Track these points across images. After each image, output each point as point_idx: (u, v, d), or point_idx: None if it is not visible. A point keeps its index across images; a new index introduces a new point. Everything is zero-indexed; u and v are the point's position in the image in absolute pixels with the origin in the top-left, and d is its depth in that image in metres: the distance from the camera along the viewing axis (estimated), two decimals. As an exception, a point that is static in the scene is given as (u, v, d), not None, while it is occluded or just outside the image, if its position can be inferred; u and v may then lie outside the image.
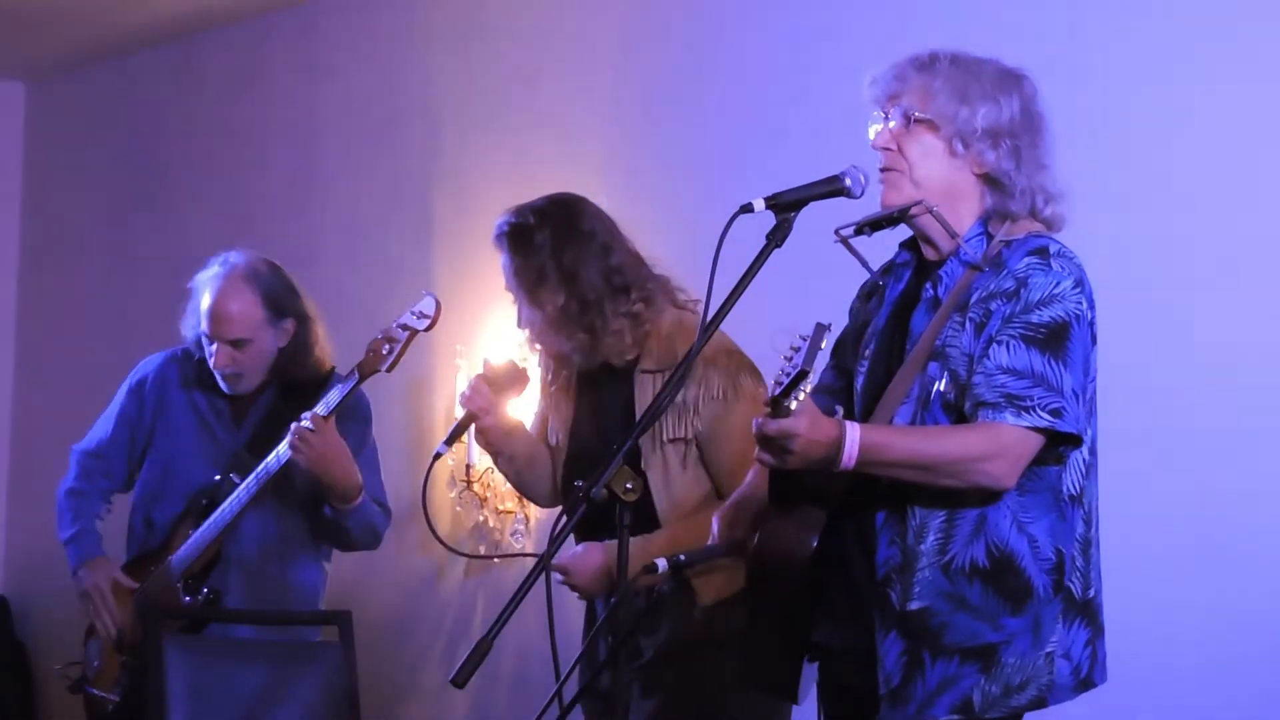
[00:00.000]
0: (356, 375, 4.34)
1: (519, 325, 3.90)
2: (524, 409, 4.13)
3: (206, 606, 4.46)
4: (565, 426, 3.97)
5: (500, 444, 3.97)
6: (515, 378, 3.95)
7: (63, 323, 7.44)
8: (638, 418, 3.70)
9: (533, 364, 4.04)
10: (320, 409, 4.32)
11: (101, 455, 4.71)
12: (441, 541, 4.23)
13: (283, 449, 4.35)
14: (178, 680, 4.27)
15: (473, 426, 3.95)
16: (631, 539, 3.60)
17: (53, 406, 7.39)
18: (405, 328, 4.33)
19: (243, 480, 4.44)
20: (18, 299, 7.66)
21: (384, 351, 4.32)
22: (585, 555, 3.75)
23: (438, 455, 4.01)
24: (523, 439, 4.01)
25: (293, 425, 4.32)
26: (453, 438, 3.98)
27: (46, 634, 7.22)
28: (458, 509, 5.66)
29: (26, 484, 7.47)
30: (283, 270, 4.60)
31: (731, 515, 3.23)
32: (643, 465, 3.74)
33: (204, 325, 4.51)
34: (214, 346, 4.49)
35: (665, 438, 3.75)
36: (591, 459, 3.75)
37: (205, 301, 4.52)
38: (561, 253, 3.79)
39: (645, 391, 3.78)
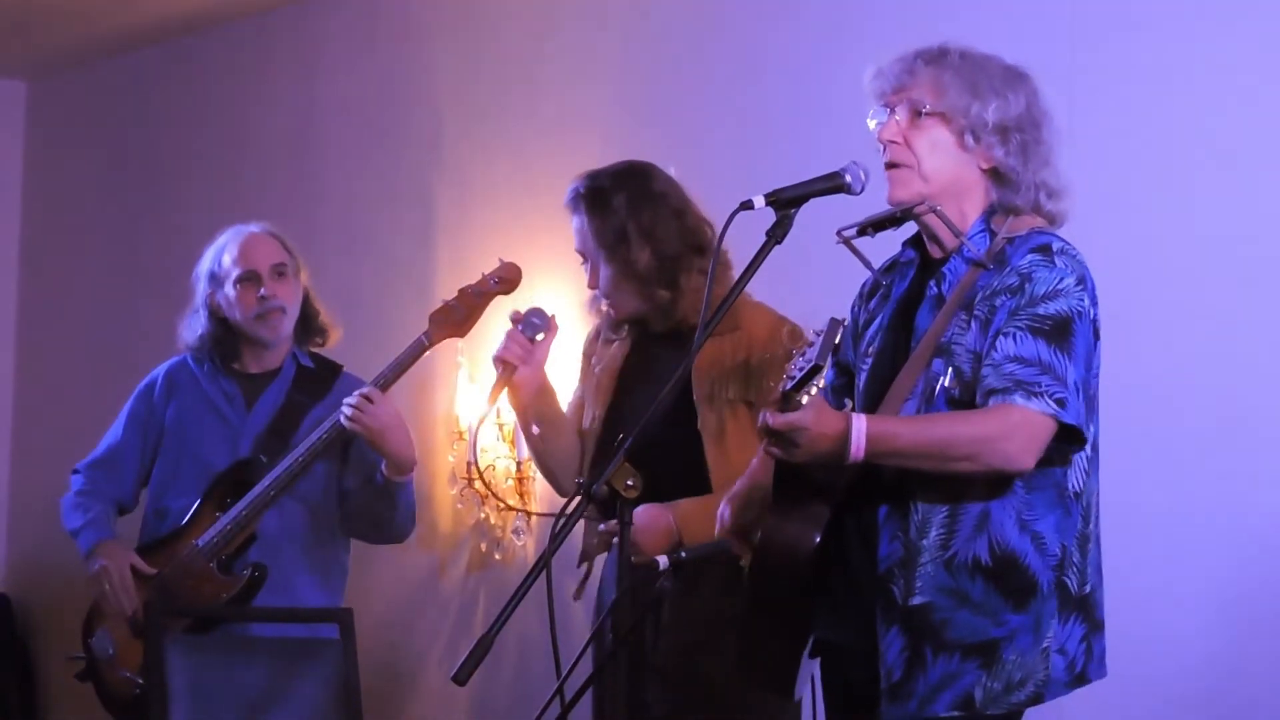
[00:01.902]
0: (425, 341, 4.32)
1: (590, 285, 3.93)
2: (561, 388, 4.12)
3: (250, 585, 4.42)
4: (604, 408, 3.97)
5: (530, 401, 3.95)
6: (544, 323, 3.95)
7: (63, 323, 7.44)
8: (693, 383, 3.77)
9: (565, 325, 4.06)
10: (378, 379, 4.32)
11: (110, 462, 4.67)
12: (495, 496, 4.28)
13: (327, 428, 4.34)
14: (179, 677, 4.27)
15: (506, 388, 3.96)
16: (689, 499, 3.72)
17: (53, 406, 7.39)
18: (481, 293, 4.27)
19: (276, 461, 4.43)
20: (18, 299, 7.66)
21: (458, 317, 4.29)
22: (647, 514, 3.76)
23: (482, 418, 4.03)
24: (554, 404, 4.00)
25: (348, 398, 4.30)
26: (493, 395, 3.97)
27: (47, 632, 7.22)
28: (459, 506, 5.66)
29: (27, 483, 7.47)
30: None
31: (741, 503, 3.22)
32: (698, 425, 3.78)
33: (240, 268, 4.51)
34: (255, 288, 4.50)
35: (728, 397, 3.77)
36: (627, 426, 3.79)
37: (233, 251, 4.54)
38: (639, 212, 3.86)
39: (703, 353, 3.79)
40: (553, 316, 3.97)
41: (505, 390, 3.95)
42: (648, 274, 3.85)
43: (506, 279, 4.27)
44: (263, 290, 4.50)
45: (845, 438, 2.89)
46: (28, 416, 7.56)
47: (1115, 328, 3.16)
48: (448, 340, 4.40)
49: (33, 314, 7.61)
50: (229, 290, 4.53)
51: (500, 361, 3.93)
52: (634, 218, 3.85)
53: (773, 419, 2.89)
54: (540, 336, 3.94)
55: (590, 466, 3.97)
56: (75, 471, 4.70)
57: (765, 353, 3.77)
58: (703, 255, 3.85)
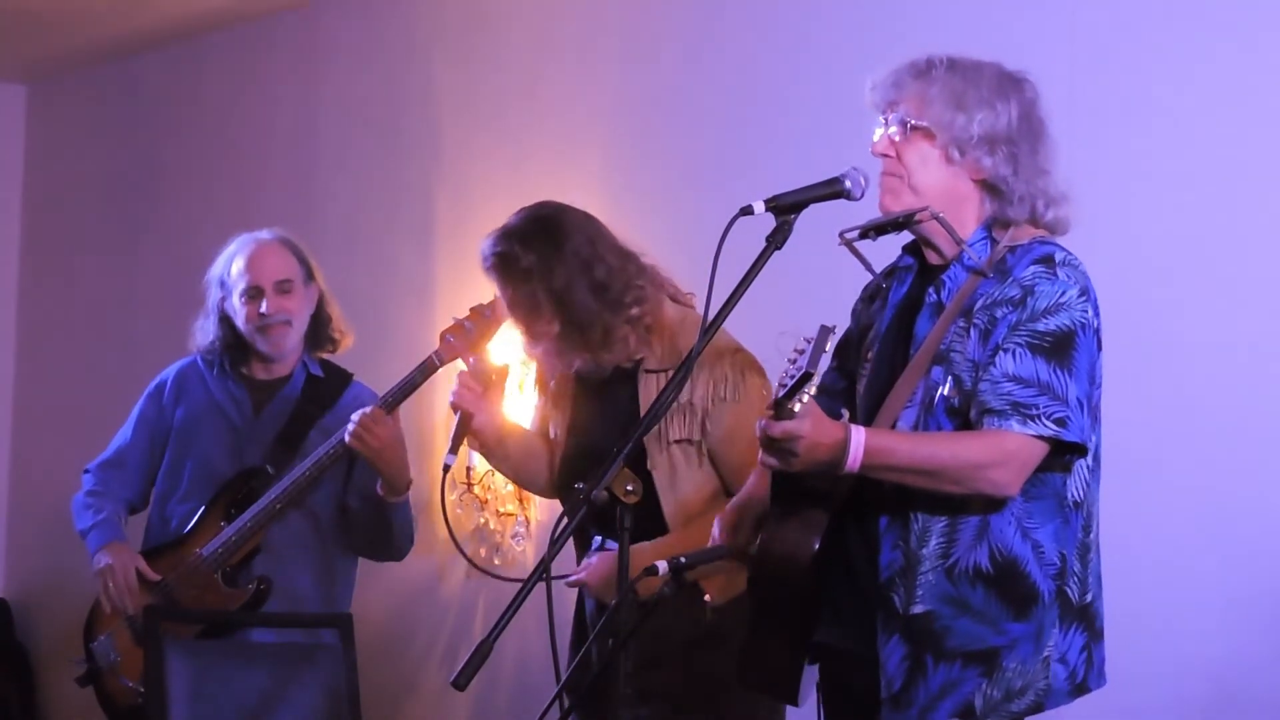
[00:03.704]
0: (436, 361, 4.30)
1: (525, 351, 3.92)
2: (521, 409, 4.12)
3: (256, 598, 4.43)
4: (564, 424, 3.97)
5: (494, 446, 3.99)
6: (497, 373, 3.98)
7: (63, 323, 7.45)
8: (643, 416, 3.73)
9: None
10: (385, 400, 4.33)
11: (120, 463, 4.67)
12: (467, 558, 4.29)
13: (334, 443, 4.35)
14: (179, 682, 4.27)
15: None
16: (642, 544, 3.63)
17: (53, 408, 7.39)
18: (494, 316, 4.21)
19: (283, 472, 4.43)
20: (18, 299, 7.66)
21: (471, 337, 4.23)
22: (600, 564, 3.79)
23: (447, 467, 3.99)
24: (516, 441, 4.02)
25: (354, 415, 4.31)
26: (456, 444, 3.97)
27: (47, 637, 7.21)
28: (458, 511, 5.66)
29: (27, 486, 7.47)
30: None
31: (733, 519, 3.22)
32: (649, 466, 3.74)
33: (245, 280, 4.52)
34: (258, 302, 4.50)
35: (671, 438, 3.74)
36: (592, 457, 3.77)
37: (240, 262, 4.55)
38: (551, 278, 3.76)
39: (650, 391, 3.78)
40: (505, 365, 4.02)
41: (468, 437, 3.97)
42: (563, 344, 3.79)
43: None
44: (263, 307, 4.49)
45: (843, 447, 2.89)
46: (28, 419, 7.56)
47: (1115, 333, 3.16)
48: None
49: (33, 315, 7.62)
50: (235, 302, 4.54)
51: (456, 407, 3.95)
52: (545, 283, 3.75)
53: (769, 427, 2.88)
54: (495, 385, 3.96)
55: (560, 473, 3.98)
56: (86, 471, 4.71)
57: (695, 393, 3.72)
58: (622, 303, 3.76)
